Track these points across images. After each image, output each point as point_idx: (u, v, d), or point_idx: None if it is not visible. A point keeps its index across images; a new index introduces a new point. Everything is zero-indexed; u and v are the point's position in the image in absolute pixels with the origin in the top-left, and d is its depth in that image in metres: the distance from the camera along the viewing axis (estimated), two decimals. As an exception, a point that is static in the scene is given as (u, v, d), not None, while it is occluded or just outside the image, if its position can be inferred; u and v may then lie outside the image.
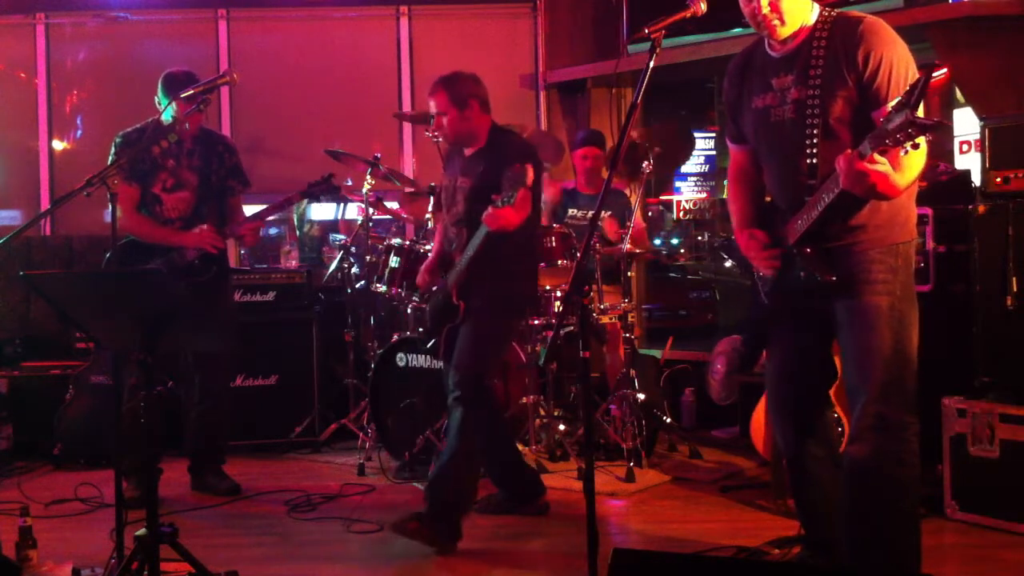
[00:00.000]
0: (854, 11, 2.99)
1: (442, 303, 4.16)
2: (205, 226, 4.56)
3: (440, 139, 4.27)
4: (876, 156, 2.60)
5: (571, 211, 5.77)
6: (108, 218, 3.77)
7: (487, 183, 3.89)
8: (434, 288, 4.27)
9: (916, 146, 2.52)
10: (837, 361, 3.45)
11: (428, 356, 5.28)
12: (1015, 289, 3.88)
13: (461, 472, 3.89)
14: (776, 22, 2.94)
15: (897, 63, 2.84)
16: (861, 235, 2.94)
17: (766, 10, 2.92)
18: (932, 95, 2.94)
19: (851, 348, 3.00)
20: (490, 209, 3.67)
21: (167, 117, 4.43)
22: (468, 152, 4.13)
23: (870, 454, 2.94)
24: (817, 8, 3.00)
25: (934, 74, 2.54)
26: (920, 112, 2.47)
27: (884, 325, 2.92)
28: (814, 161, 2.91)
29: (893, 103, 2.59)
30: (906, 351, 2.95)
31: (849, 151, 2.67)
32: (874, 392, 2.93)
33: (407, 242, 5.19)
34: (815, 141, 2.90)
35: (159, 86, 4.56)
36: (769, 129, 3.06)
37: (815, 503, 3.29)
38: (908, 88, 2.49)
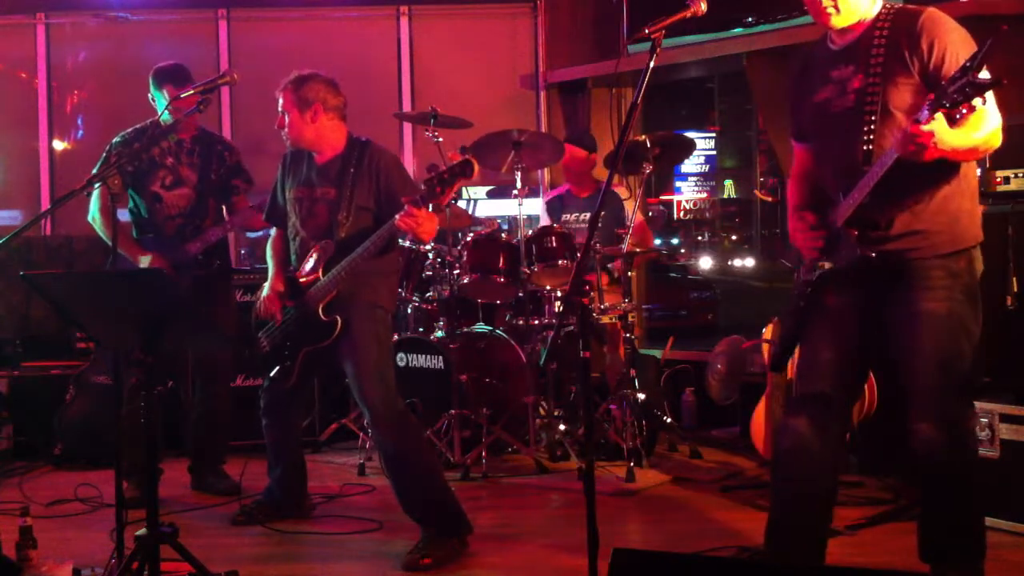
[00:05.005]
0: (912, 5, 3.01)
1: (303, 322, 3.90)
2: (150, 257, 4.49)
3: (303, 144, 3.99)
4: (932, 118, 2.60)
5: (564, 216, 5.76)
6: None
7: (354, 195, 3.82)
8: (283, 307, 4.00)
9: (972, 108, 2.53)
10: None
11: (428, 356, 5.29)
12: (1015, 289, 3.88)
13: (424, 478, 3.80)
14: (831, 10, 2.95)
15: (961, 50, 2.84)
16: (920, 241, 2.93)
17: None
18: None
19: (905, 349, 2.99)
20: (408, 208, 3.53)
21: (165, 117, 4.44)
22: (320, 160, 3.96)
23: (933, 450, 2.97)
24: (880, 1, 3.01)
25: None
26: (984, 74, 2.47)
27: (941, 332, 2.92)
28: (870, 148, 2.91)
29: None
30: (963, 353, 2.96)
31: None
32: (926, 397, 2.96)
33: (407, 242, 5.20)
34: (872, 127, 2.91)
35: (150, 81, 4.57)
36: (828, 120, 3.06)
37: (792, 500, 3.16)
38: (974, 52, 2.50)
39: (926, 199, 2.92)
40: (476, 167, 3.49)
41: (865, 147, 2.91)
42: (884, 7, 3.00)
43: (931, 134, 2.62)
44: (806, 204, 3.20)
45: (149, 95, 4.60)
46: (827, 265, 3.03)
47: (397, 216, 3.59)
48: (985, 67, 2.49)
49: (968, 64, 2.49)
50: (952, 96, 2.52)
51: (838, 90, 3.02)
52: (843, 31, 3.02)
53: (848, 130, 2.96)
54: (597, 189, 5.75)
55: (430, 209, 3.59)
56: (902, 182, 2.83)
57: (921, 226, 2.93)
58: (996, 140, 2.86)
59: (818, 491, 3.14)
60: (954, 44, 2.85)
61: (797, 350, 3.22)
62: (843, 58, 3.02)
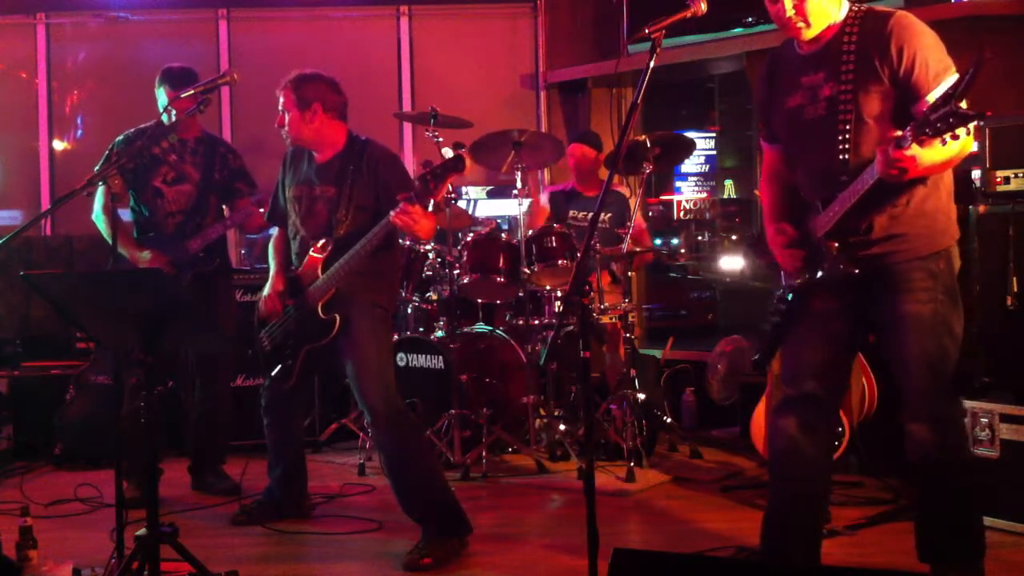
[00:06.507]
0: (882, 7, 2.99)
1: (303, 320, 3.92)
2: (148, 254, 4.51)
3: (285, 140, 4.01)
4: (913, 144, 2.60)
5: (571, 212, 5.77)
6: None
7: (354, 193, 3.83)
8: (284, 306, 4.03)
9: (956, 137, 2.53)
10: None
11: (428, 356, 5.29)
12: (1015, 289, 3.87)
13: (424, 478, 3.81)
14: (801, 24, 2.95)
15: (931, 55, 2.84)
16: (900, 244, 2.93)
17: (790, 12, 2.93)
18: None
19: (894, 353, 3.00)
20: (403, 205, 3.53)
21: (165, 117, 4.43)
22: (320, 159, 3.96)
23: (927, 450, 2.98)
24: (847, 5, 2.99)
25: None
26: (964, 103, 2.47)
27: (927, 333, 2.93)
28: (846, 157, 2.91)
29: (939, 91, 2.61)
30: (948, 352, 2.96)
31: (887, 141, 2.68)
32: (918, 398, 2.97)
33: (406, 242, 5.20)
34: (847, 136, 2.90)
35: (157, 81, 4.57)
36: (801, 128, 3.05)
37: (790, 500, 3.17)
38: (956, 79, 2.49)
39: (903, 203, 2.92)
40: (468, 161, 3.50)
41: (841, 156, 2.92)
42: (852, 9, 2.98)
43: (914, 159, 2.64)
44: (782, 209, 3.20)
45: (155, 93, 4.61)
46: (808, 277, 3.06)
47: (392, 212, 3.59)
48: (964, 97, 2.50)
49: (951, 92, 2.48)
50: (935, 126, 2.52)
51: (809, 97, 3.01)
52: (810, 39, 3.01)
53: (822, 139, 2.96)
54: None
55: (429, 208, 3.59)
56: (880, 188, 2.82)
57: (900, 230, 2.93)
58: (969, 146, 2.85)
59: (815, 491, 3.16)
60: (923, 49, 2.84)
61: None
62: (812, 64, 3.01)
